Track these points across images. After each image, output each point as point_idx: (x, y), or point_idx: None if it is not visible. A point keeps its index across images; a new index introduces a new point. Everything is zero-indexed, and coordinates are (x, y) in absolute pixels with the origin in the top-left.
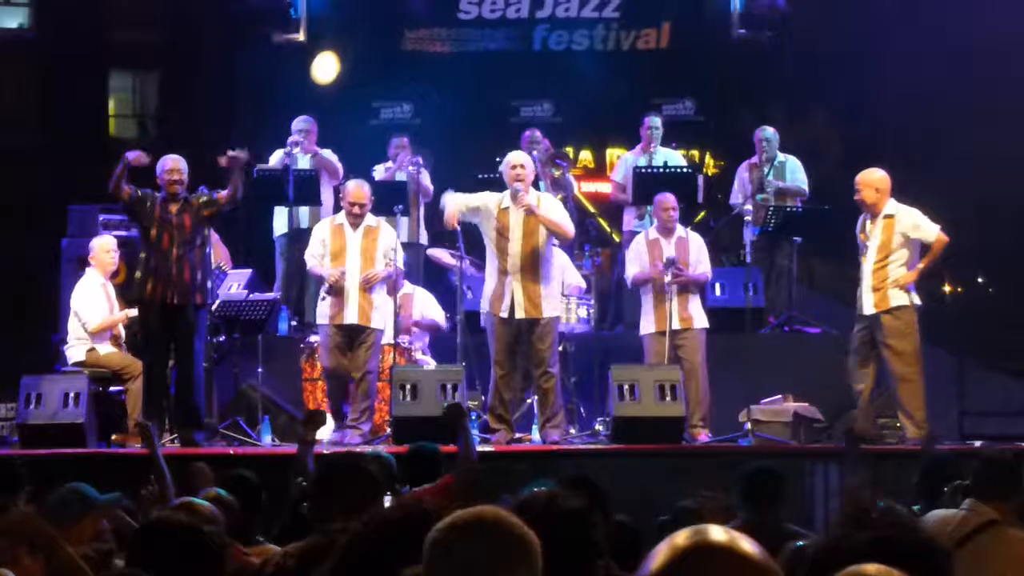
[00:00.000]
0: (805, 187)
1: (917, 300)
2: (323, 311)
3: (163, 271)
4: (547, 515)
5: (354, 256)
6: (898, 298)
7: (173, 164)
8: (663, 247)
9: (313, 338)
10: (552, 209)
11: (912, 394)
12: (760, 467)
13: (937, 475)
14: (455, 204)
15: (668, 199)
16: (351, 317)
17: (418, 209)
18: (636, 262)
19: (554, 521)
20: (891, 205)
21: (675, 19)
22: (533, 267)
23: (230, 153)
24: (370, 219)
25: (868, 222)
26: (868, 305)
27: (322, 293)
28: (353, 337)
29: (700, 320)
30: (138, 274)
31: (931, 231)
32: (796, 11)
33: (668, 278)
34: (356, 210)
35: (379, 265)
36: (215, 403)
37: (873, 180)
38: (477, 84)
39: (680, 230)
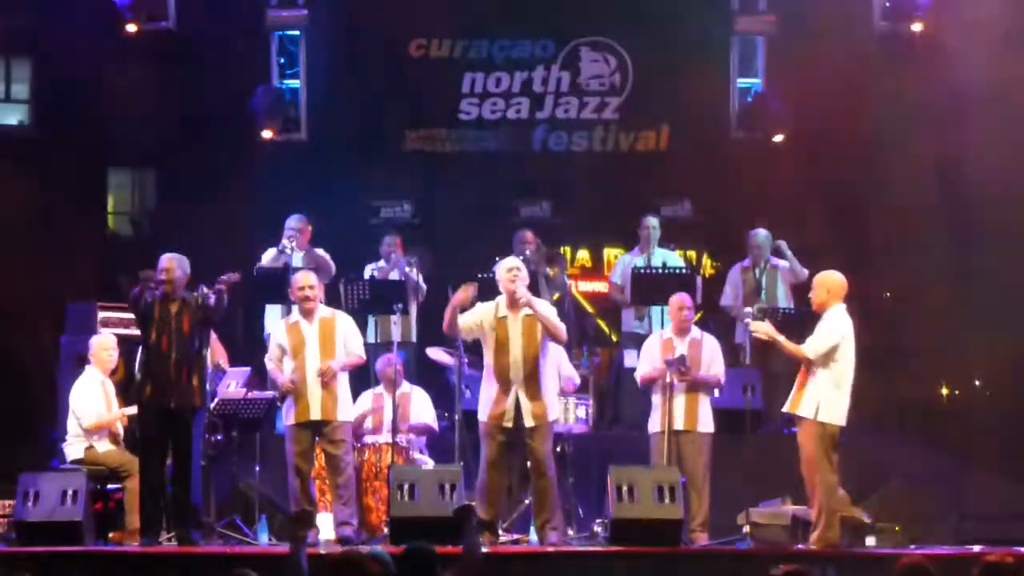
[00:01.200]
0: (805, 272)
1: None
2: (286, 412)
3: (162, 375)
4: None
5: (313, 350)
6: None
7: (166, 263)
8: (676, 347)
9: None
10: (549, 310)
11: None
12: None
13: None
14: (455, 329)
15: (683, 299)
16: (315, 413)
17: (412, 307)
18: (647, 361)
19: None
20: (834, 310)
21: (674, 121)
22: (535, 374)
23: (223, 278)
24: (324, 311)
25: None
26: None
27: (281, 400)
28: (319, 433)
29: (706, 424)
30: (138, 376)
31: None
32: (795, 110)
33: (669, 378)
34: (307, 292)
35: (339, 356)
36: (212, 501)
37: (826, 281)
38: (477, 184)
39: (695, 331)
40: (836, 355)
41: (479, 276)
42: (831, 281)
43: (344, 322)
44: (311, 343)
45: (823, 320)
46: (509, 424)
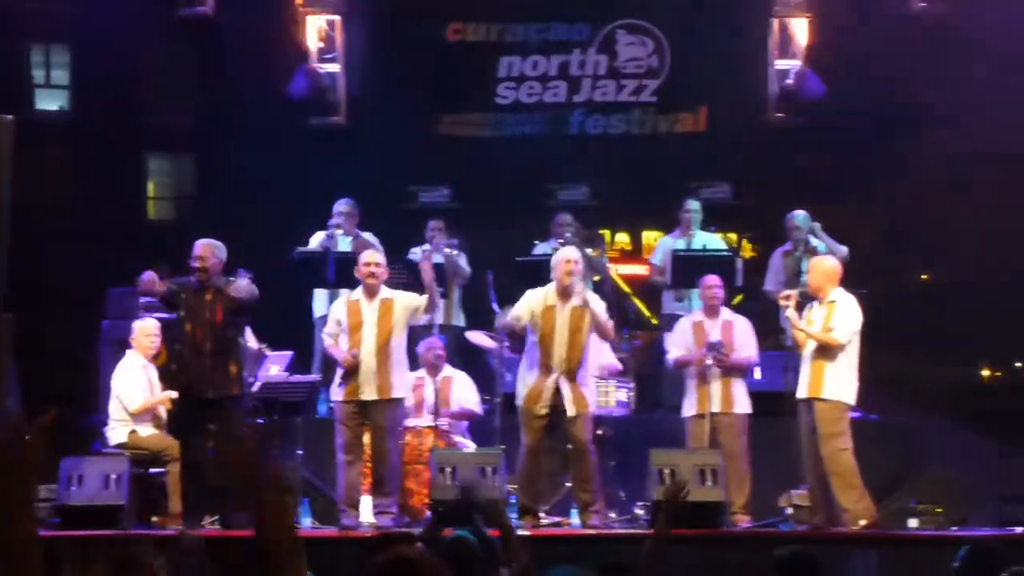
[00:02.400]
0: (844, 249)
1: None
2: (337, 389)
3: (197, 365)
4: None
5: (370, 329)
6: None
7: (200, 250)
8: (707, 329)
9: None
10: (600, 307)
11: (845, 486)
12: (795, 552)
13: (981, 564)
14: (507, 325)
15: (711, 279)
16: (368, 393)
17: (454, 291)
18: (679, 344)
19: None
20: (842, 294)
21: (712, 103)
22: (578, 364)
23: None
24: (386, 291)
25: (815, 307)
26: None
27: (338, 377)
28: (371, 413)
29: (743, 404)
30: (174, 367)
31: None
32: (834, 92)
33: (709, 361)
34: (372, 269)
35: (396, 336)
36: None
37: (819, 265)
38: (515, 167)
39: (726, 312)
40: (855, 338)
41: (517, 260)
42: (825, 265)
43: (403, 299)
44: (369, 322)
45: (840, 305)
46: (545, 411)
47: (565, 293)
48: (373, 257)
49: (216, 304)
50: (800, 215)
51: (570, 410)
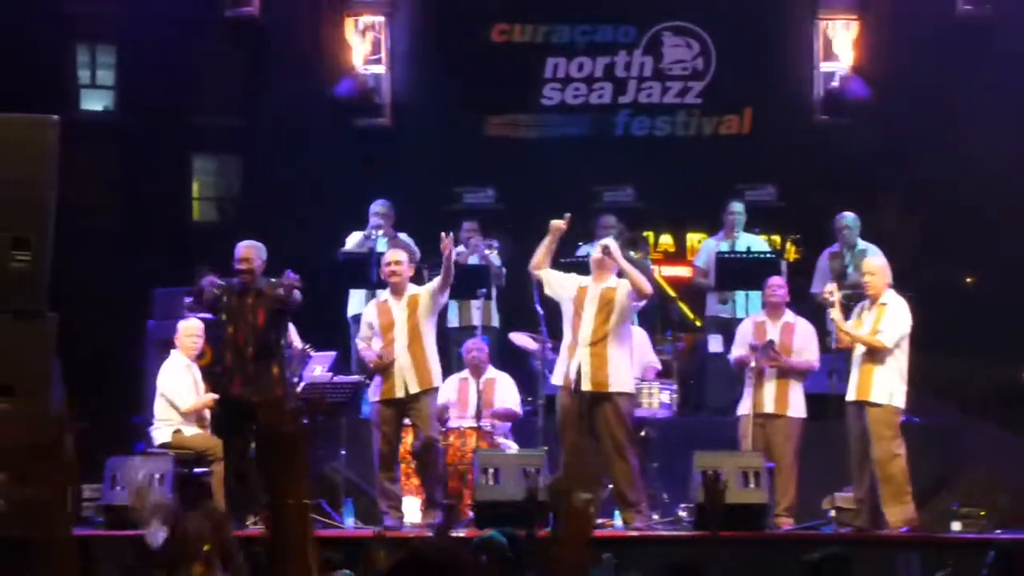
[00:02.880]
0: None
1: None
2: (375, 390)
3: (240, 368)
4: None
5: (401, 328)
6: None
7: (245, 252)
8: (768, 330)
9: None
10: (633, 267)
11: (894, 492)
12: (824, 555)
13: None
14: (542, 266)
15: (774, 279)
16: (409, 388)
17: (491, 292)
18: (740, 344)
19: None
20: (893, 296)
21: (757, 105)
22: (603, 340)
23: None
24: (412, 288)
25: (866, 308)
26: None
27: (370, 377)
28: (412, 407)
29: (797, 408)
30: (217, 369)
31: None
32: (879, 97)
33: (753, 363)
34: (392, 267)
35: (425, 327)
36: None
37: (874, 266)
38: (559, 169)
39: (788, 315)
40: (903, 342)
41: (561, 261)
42: (879, 264)
43: (424, 290)
44: (399, 320)
45: (890, 307)
46: (572, 386)
47: (601, 268)
48: (394, 256)
49: (258, 307)
50: (849, 216)
51: (584, 384)
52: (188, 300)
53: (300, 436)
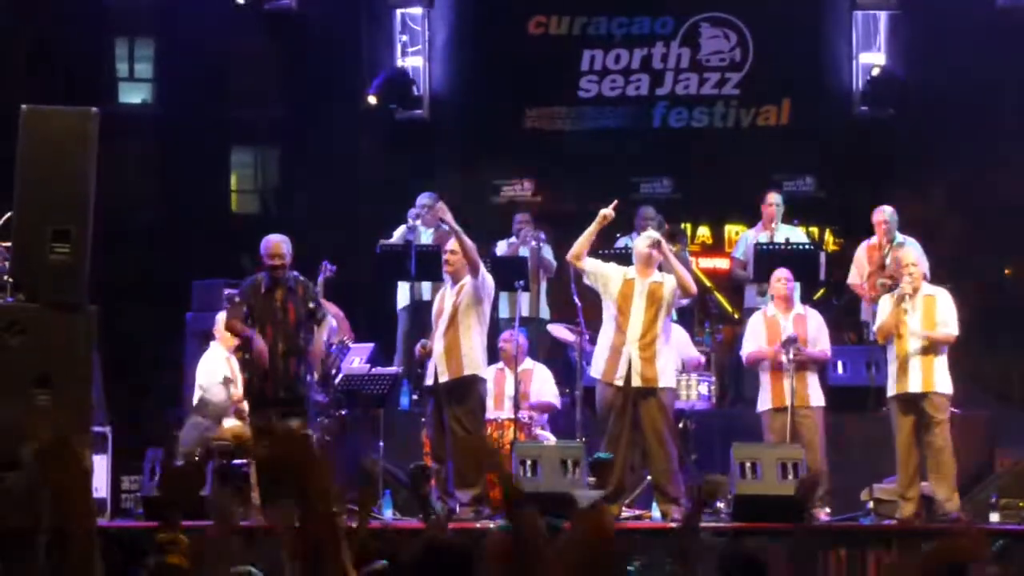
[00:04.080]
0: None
1: None
2: (427, 377)
3: (271, 368)
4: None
5: (445, 317)
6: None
7: (277, 247)
8: (781, 324)
9: None
10: (680, 264)
11: (947, 477)
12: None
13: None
14: (582, 255)
15: (780, 272)
16: (430, 378)
17: (539, 284)
18: (752, 339)
19: None
20: (928, 286)
21: (795, 96)
22: (651, 338)
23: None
24: (468, 279)
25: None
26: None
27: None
28: (448, 397)
29: (817, 398)
30: (245, 374)
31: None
32: (919, 86)
33: (788, 357)
34: (447, 256)
35: (464, 325)
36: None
37: (916, 253)
38: (597, 161)
39: (799, 307)
40: None
41: (600, 253)
42: (919, 256)
43: (469, 284)
44: (447, 309)
45: (940, 298)
46: (620, 383)
47: (647, 263)
48: (450, 246)
49: (288, 303)
50: (888, 210)
51: (635, 380)
52: (228, 292)
53: (311, 458)
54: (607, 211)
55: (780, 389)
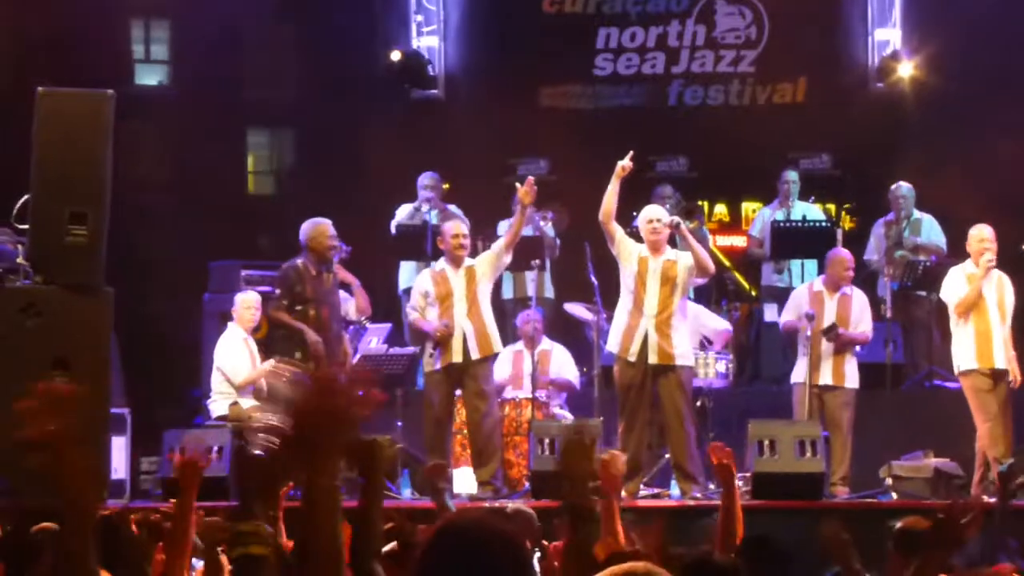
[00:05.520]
0: (943, 245)
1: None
2: (431, 360)
3: (329, 353)
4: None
5: (460, 298)
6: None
7: (330, 229)
8: (826, 301)
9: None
10: (696, 244)
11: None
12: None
13: None
14: (611, 215)
15: (847, 258)
16: (458, 356)
17: (544, 264)
18: (793, 311)
19: None
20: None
21: (811, 73)
22: (668, 314)
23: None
24: (467, 260)
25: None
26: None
27: (429, 349)
28: (470, 374)
29: (852, 379)
30: (298, 355)
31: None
32: (933, 63)
33: (809, 332)
34: (462, 240)
35: (484, 304)
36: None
37: (990, 235)
38: (612, 139)
39: (845, 287)
40: None
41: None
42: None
43: (482, 261)
44: (458, 289)
45: (1004, 276)
46: (634, 359)
47: (655, 248)
48: (460, 228)
49: (333, 286)
50: (905, 186)
51: (651, 357)
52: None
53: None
54: (624, 162)
55: (816, 365)
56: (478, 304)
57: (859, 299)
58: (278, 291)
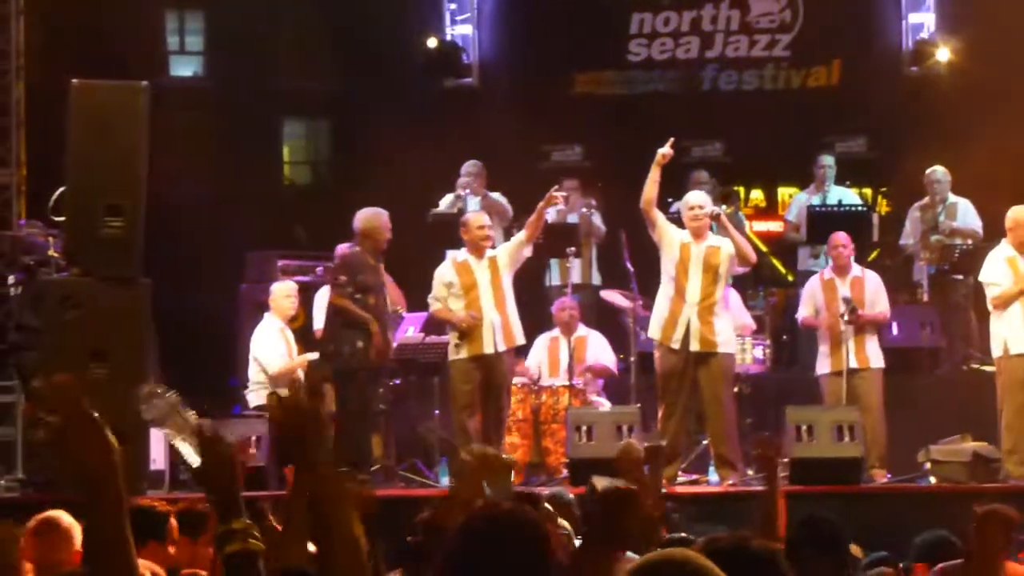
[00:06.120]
0: (979, 229)
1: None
2: (456, 349)
3: (384, 342)
4: (738, 557)
5: (486, 288)
6: None
7: (387, 220)
8: (838, 287)
9: None
10: (736, 234)
11: None
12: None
13: None
14: (652, 201)
15: (836, 237)
16: (489, 347)
17: (590, 251)
18: (809, 303)
19: (746, 564)
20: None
21: (845, 56)
22: (711, 301)
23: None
24: (488, 250)
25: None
26: None
27: (454, 339)
28: (495, 365)
29: (877, 360)
30: (360, 343)
31: None
32: (967, 47)
33: (845, 319)
34: (487, 231)
35: (509, 294)
36: (393, 445)
37: None
38: (647, 125)
39: (856, 269)
40: None
41: None
42: None
43: (503, 251)
44: (483, 280)
45: None
46: (677, 346)
47: (698, 235)
48: (484, 219)
49: (384, 276)
50: (940, 170)
51: (693, 344)
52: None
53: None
54: (664, 150)
55: (839, 353)
56: (503, 294)
57: (872, 280)
58: (342, 277)
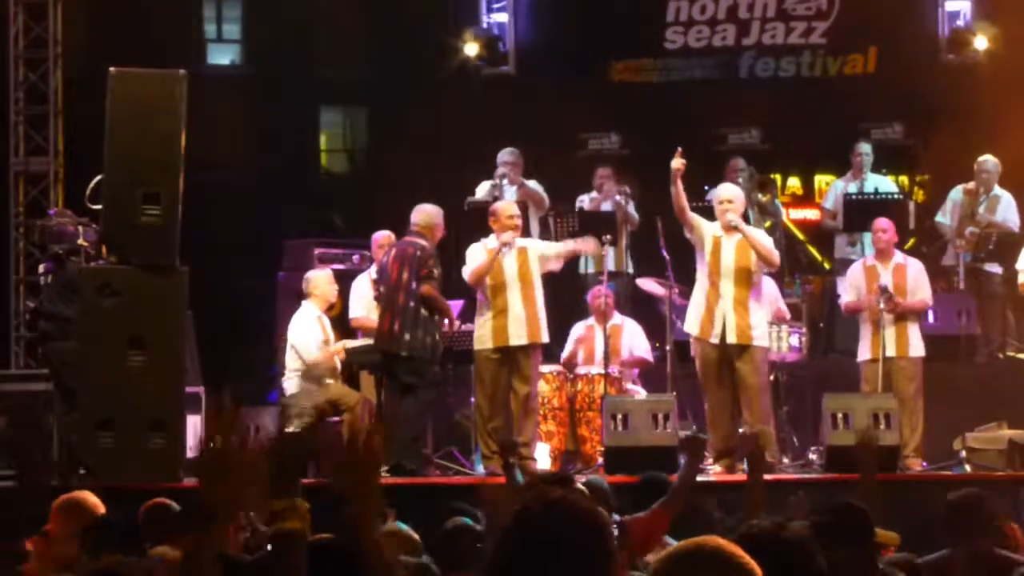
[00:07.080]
0: (1016, 225)
1: None
2: (483, 334)
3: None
4: (770, 545)
5: (514, 278)
6: None
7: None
8: (880, 274)
9: None
10: (760, 235)
11: None
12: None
13: None
14: (683, 203)
15: (878, 222)
16: (514, 339)
17: (624, 239)
18: (851, 289)
19: (778, 551)
20: None
21: (882, 43)
22: (744, 293)
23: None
24: (520, 240)
25: None
26: None
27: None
28: (517, 359)
29: (917, 348)
30: (437, 335)
31: None
32: (1003, 33)
33: (881, 305)
34: (517, 220)
35: (538, 288)
36: (429, 433)
37: None
38: (684, 112)
39: (898, 256)
40: None
41: (693, 206)
42: None
43: (534, 247)
44: (510, 270)
45: None
46: (716, 340)
47: (728, 228)
48: (515, 209)
49: None
50: (991, 161)
51: (730, 337)
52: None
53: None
54: (676, 163)
55: (878, 339)
56: (533, 289)
57: (914, 267)
58: (432, 268)
